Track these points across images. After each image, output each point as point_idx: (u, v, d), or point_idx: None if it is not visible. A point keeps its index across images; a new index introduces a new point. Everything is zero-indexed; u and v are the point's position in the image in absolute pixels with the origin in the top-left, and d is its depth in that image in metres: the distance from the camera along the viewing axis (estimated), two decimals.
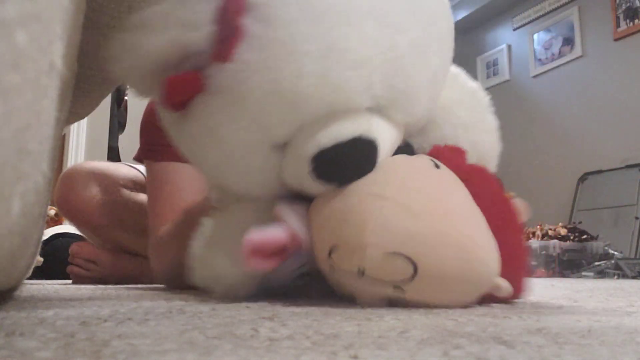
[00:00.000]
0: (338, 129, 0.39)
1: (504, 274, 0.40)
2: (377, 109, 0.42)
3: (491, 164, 0.52)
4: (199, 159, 0.46)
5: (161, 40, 0.38)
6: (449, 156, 0.44)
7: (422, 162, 0.43)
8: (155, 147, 0.89)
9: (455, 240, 0.38)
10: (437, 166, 0.42)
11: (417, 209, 0.38)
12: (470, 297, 0.41)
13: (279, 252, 0.42)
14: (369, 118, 0.41)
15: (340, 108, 0.40)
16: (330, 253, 0.40)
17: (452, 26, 0.46)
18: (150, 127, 0.92)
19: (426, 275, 0.37)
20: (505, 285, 0.40)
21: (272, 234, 0.41)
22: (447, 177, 0.42)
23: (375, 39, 0.40)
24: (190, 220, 0.63)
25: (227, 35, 0.37)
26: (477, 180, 0.42)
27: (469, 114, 0.51)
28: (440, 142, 0.48)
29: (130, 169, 1.14)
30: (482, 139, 0.51)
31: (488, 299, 0.42)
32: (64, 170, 1.09)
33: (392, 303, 0.40)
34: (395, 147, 0.45)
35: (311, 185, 0.42)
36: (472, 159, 0.47)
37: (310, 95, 0.38)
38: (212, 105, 0.40)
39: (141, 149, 0.96)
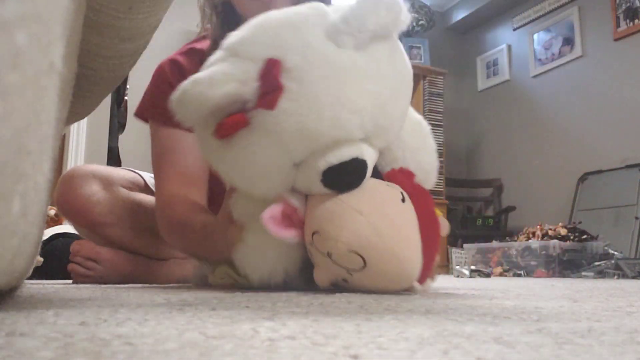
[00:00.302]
0: (341, 152, 0.54)
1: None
2: (366, 139, 0.56)
3: (432, 177, 0.69)
4: (235, 174, 0.59)
5: (221, 92, 0.50)
6: (401, 177, 0.60)
7: (394, 194, 0.57)
8: (166, 110, 0.89)
9: (398, 258, 0.54)
10: (403, 199, 0.57)
11: (381, 230, 0.54)
12: (393, 290, 0.57)
13: (290, 221, 0.57)
14: (361, 145, 0.56)
15: (343, 139, 0.54)
16: (312, 234, 0.56)
17: (412, 74, 0.61)
18: (163, 89, 0.92)
19: (370, 271, 0.54)
20: (418, 288, 0.56)
21: (274, 205, 0.56)
22: (408, 210, 0.57)
23: (369, 91, 0.54)
24: (211, 227, 0.76)
25: (268, 89, 0.50)
26: (418, 199, 0.58)
27: (415, 140, 0.67)
28: (394, 163, 0.64)
29: (128, 172, 1.15)
30: (425, 159, 0.67)
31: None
32: (64, 170, 1.10)
33: (338, 289, 0.59)
34: (374, 164, 0.59)
35: (319, 191, 0.57)
36: (418, 175, 0.61)
37: (325, 133, 0.53)
38: (253, 137, 0.53)
39: (148, 109, 0.97)
